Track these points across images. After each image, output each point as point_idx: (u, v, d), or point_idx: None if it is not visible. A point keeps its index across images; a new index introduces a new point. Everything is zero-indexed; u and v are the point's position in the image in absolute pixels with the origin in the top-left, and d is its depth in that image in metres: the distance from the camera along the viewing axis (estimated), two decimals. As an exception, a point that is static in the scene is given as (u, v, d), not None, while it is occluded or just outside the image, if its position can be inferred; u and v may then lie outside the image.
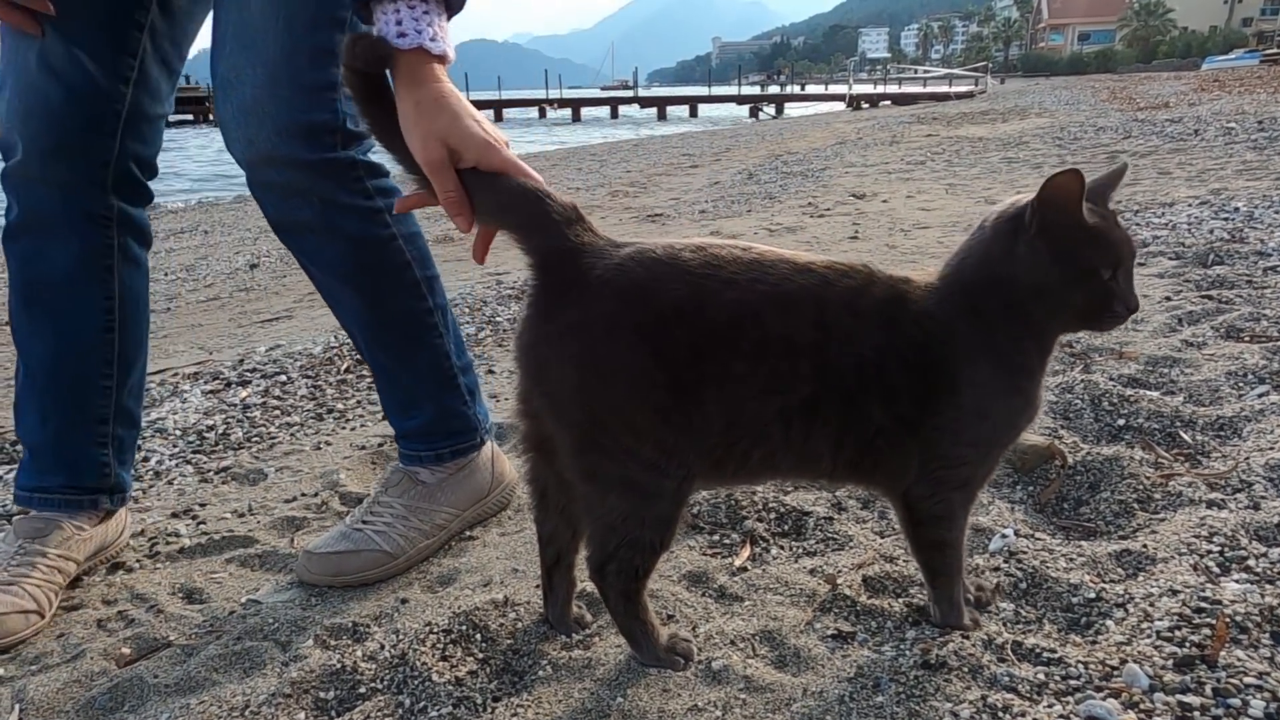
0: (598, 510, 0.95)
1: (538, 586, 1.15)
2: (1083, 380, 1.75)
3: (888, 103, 35.28)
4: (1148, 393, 1.70)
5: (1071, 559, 1.15)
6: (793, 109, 37.42)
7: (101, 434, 1.36)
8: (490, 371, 2.37)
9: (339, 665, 1.06)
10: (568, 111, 39.89)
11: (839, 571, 1.17)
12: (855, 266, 0.94)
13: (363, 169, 1.27)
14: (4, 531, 1.32)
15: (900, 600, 1.11)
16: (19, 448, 1.48)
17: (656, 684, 0.98)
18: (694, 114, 39.48)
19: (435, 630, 1.10)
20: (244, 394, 2.31)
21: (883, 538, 1.29)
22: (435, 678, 1.04)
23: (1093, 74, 50.58)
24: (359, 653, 1.08)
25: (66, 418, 1.34)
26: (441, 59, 0.99)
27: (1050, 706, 0.86)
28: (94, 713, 1.03)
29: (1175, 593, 1.02)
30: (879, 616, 1.08)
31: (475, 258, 1.04)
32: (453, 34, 1.02)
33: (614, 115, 40.75)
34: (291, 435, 1.99)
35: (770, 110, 35.92)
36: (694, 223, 5.15)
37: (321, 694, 1.03)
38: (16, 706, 1.05)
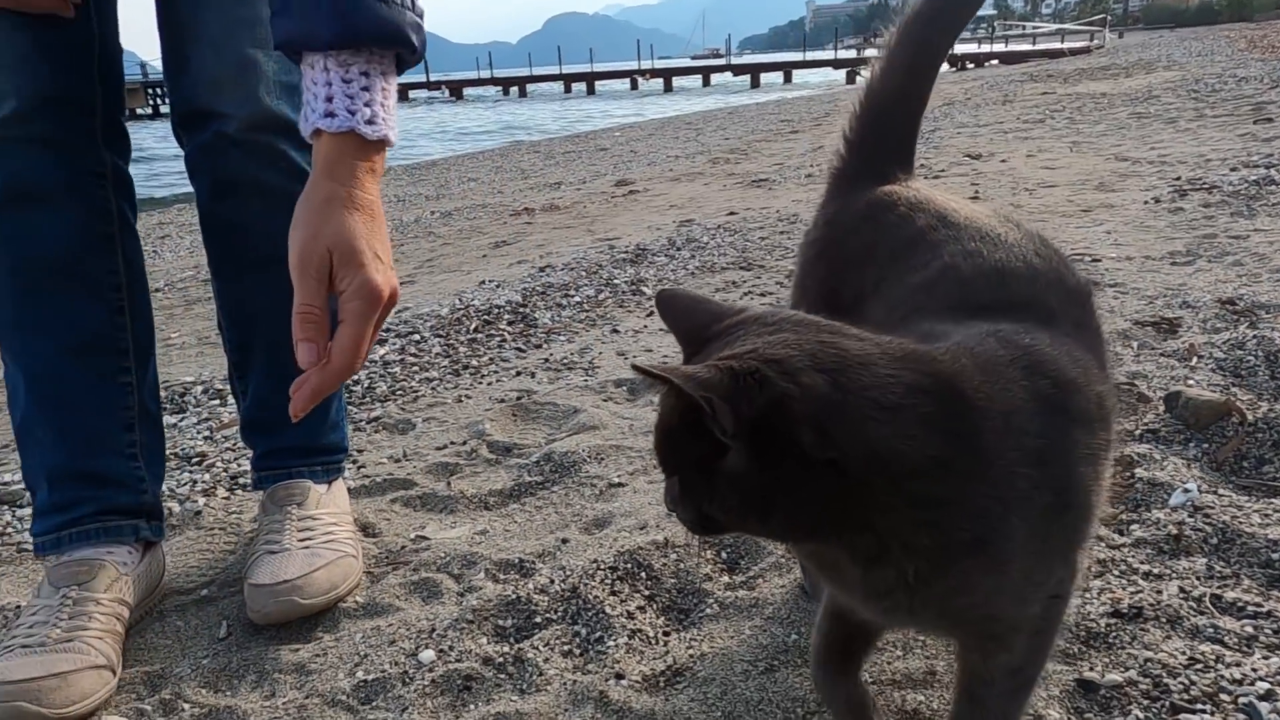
0: None
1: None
2: (1254, 336, 1.64)
3: (994, 62, 33.55)
4: (1331, 349, 1.57)
5: (1266, 515, 1.08)
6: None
7: (129, 443, 1.15)
8: (615, 331, 2.40)
9: (514, 596, 1.11)
10: (659, 82, 39.61)
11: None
12: None
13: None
14: (37, 586, 1.10)
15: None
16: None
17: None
18: (788, 80, 38.58)
19: (602, 567, 1.14)
20: (382, 351, 2.41)
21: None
22: (608, 610, 1.07)
23: (1225, 23, 46.71)
24: (530, 586, 1.13)
25: (87, 428, 1.12)
26: (379, 144, 0.82)
27: (1266, 659, 0.82)
28: (293, 627, 1.11)
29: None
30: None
31: (293, 410, 0.81)
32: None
33: (706, 84, 40.20)
34: (432, 389, 2.07)
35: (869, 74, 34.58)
36: (801, 186, 5.05)
37: (500, 621, 1.08)
38: (224, 623, 1.14)
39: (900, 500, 0.56)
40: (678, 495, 0.59)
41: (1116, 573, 1.01)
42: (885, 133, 0.90)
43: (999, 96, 10.16)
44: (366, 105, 0.79)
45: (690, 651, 0.98)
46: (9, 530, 1.50)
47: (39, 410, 1.11)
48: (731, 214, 4.24)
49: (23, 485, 1.67)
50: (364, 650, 1.04)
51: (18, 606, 1.21)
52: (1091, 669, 0.85)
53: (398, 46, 0.82)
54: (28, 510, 1.57)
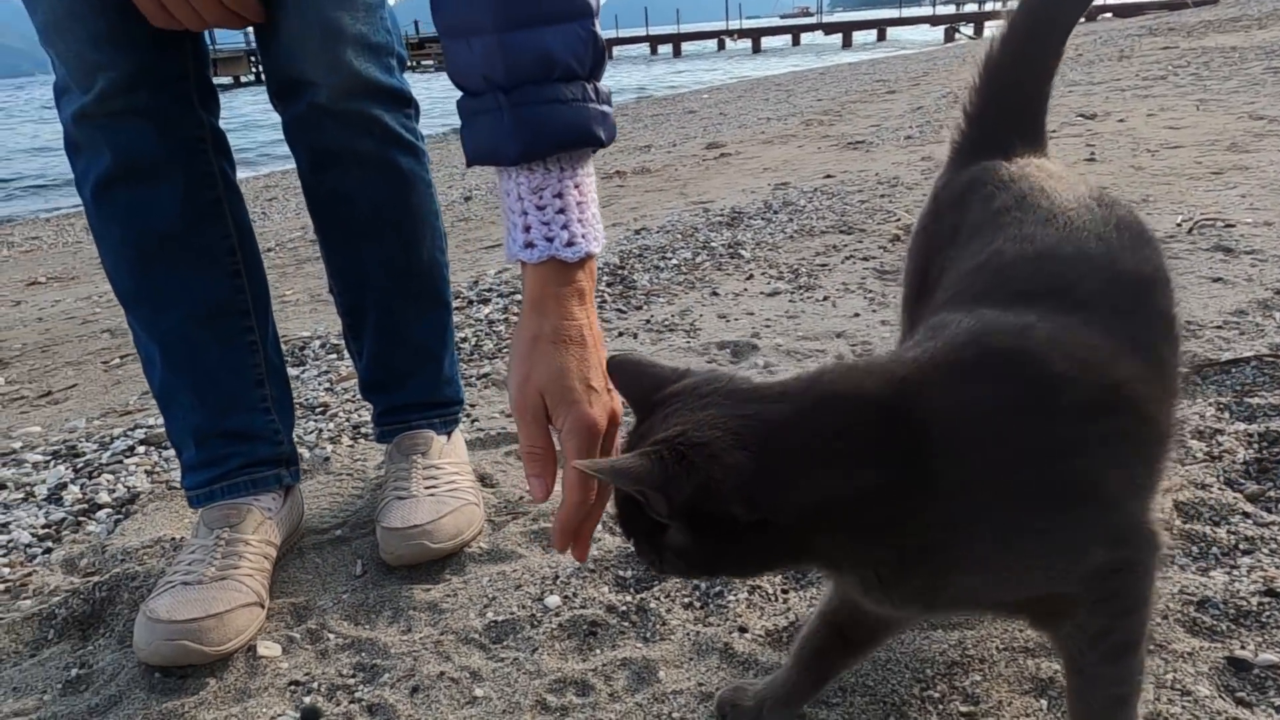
0: None
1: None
2: None
3: (1108, 15, 31.49)
4: None
5: None
6: (995, 28, 34.22)
7: (261, 398, 1.21)
8: (715, 294, 2.40)
9: (632, 549, 1.13)
10: (747, 43, 38.76)
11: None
12: None
13: (413, 105, 1.23)
14: (194, 527, 1.19)
15: (1221, 528, 1.03)
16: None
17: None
18: (882, 38, 37.16)
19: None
20: (486, 310, 2.48)
21: (1184, 465, 1.20)
22: (727, 566, 1.08)
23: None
24: (648, 539, 1.15)
25: (222, 389, 1.17)
26: (584, 262, 0.77)
27: None
28: (423, 569, 1.17)
29: None
30: (1200, 542, 1.00)
31: (557, 544, 0.80)
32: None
33: (796, 44, 39.10)
34: (537, 348, 2.12)
35: (968, 31, 33.10)
36: (900, 148, 4.89)
37: (620, 572, 1.11)
38: (359, 562, 1.21)
39: (842, 534, 0.59)
40: (640, 553, 0.65)
41: (1266, 550, 0.96)
42: (1005, 104, 0.86)
43: (1114, 52, 9.54)
44: (564, 228, 0.75)
45: (811, 610, 0.98)
46: (158, 469, 1.62)
47: (175, 376, 1.16)
48: (828, 177, 4.14)
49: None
50: (491, 593, 1.09)
51: (172, 539, 1.31)
52: (1243, 648, 0.82)
53: (586, 147, 0.77)
54: (172, 450, 1.69)
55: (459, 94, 0.79)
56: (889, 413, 0.59)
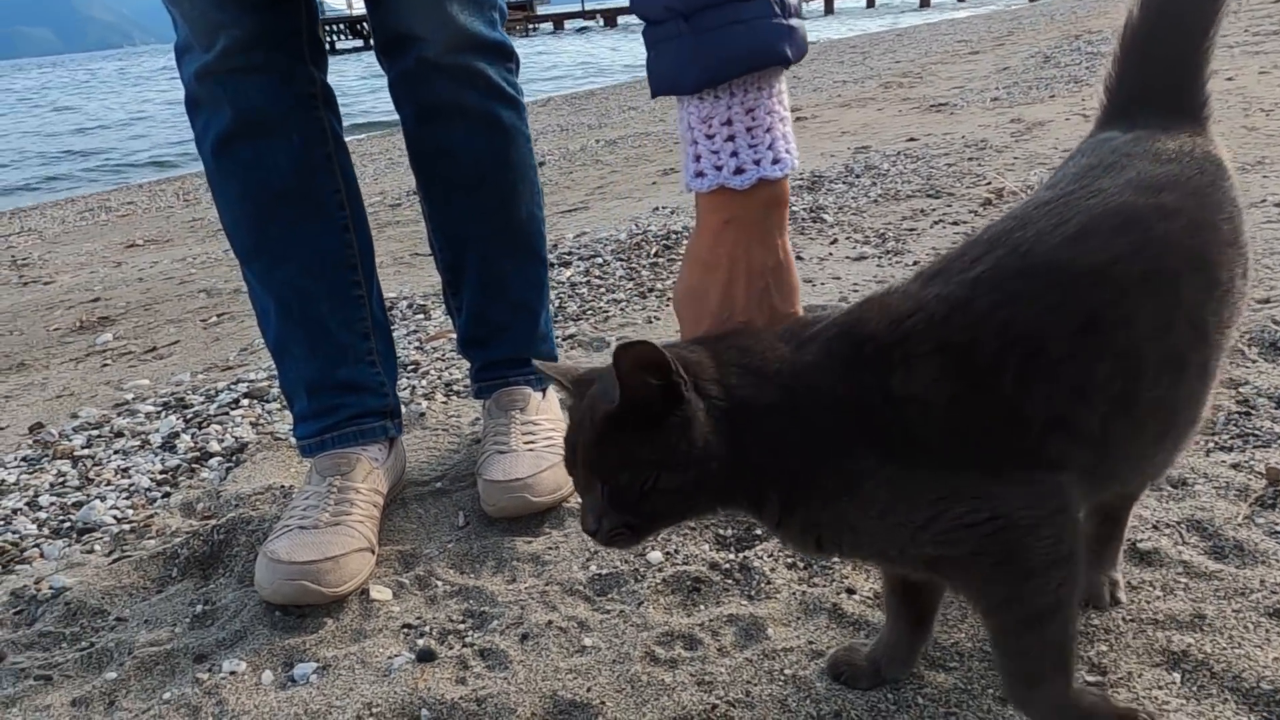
0: None
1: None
2: None
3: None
4: None
5: None
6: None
7: (368, 351, 1.23)
8: (799, 258, 2.36)
9: (732, 508, 1.13)
10: (819, 4, 37.68)
11: None
12: None
13: (514, 59, 1.22)
14: (307, 474, 1.22)
15: (1365, 504, 0.97)
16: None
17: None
18: (961, -2, 35.66)
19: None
20: (568, 273, 2.48)
21: (1318, 439, 1.13)
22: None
23: None
24: (747, 499, 1.15)
25: (333, 341, 1.20)
26: (755, 189, 0.73)
27: None
28: (524, 522, 1.18)
29: None
30: (1342, 518, 0.95)
31: None
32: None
33: (870, 5, 37.88)
34: (620, 310, 2.12)
35: (1053, -12, 31.49)
36: (986, 110, 4.70)
37: (721, 531, 1.11)
38: (461, 513, 1.24)
39: (765, 472, 0.66)
40: (606, 508, 0.65)
41: None
42: (1147, 75, 0.78)
43: (1219, 7, 8.96)
44: (733, 155, 0.73)
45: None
46: (262, 421, 1.68)
47: (289, 328, 1.20)
48: (911, 140, 4.02)
49: (267, 382, 1.86)
50: (593, 547, 1.10)
51: (281, 486, 1.36)
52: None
53: (770, 65, 0.72)
54: (274, 404, 1.75)
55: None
56: (791, 367, 0.66)
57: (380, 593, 1.07)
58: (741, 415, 0.65)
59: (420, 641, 0.98)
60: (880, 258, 2.27)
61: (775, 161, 0.73)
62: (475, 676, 0.90)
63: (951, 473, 0.63)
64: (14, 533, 1.36)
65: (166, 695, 0.93)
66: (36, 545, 1.32)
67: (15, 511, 1.43)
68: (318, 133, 1.16)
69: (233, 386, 1.88)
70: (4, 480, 1.56)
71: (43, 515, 1.42)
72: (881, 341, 0.65)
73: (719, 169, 0.73)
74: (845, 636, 0.89)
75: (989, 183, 2.92)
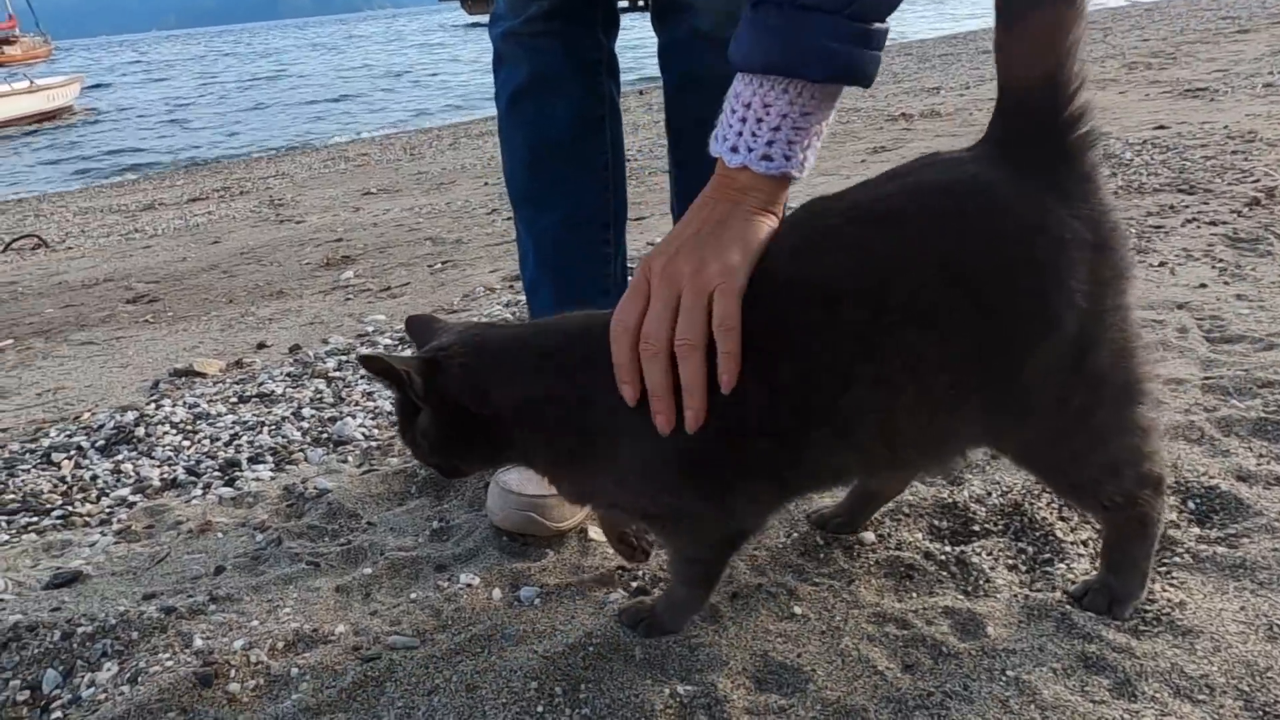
0: None
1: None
2: None
3: None
4: None
5: None
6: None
7: (605, 306, 1.29)
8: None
9: (949, 501, 1.10)
10: (1053, -27, 34.37)
11: None
12: None
13: None
14: None
15: None
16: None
17: None
18: (1227, -32, 31.30)
19: (1046, 490, 1.08)
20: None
21: None
22: (1058, 534, 1.02)
23: None
24: (965, 494, 1.11)
25: (578, 291, 1.24)
26: (781, 181, 0.81)
27: None
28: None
29: None
30: None
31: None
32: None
33: (1113, -25, 34.19)
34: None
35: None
36: (1256, 97, 4.15)
37: (935, 521, 1.09)
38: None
39: (530, 431, 0.86)
40: (402, 433, 0.91)
41: None
42: None
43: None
44: (769, 144, 0.80)
45: (1166, 597, 0.90)
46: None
47: (542, 273, 1.27)
48: (1160, 128, 3.64)
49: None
50: (801, 519, 1.11)
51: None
52: None
53: (845, 83, 0.80)
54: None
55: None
56: (564, 346, 0.87)
57: (599, 534, 1.13)
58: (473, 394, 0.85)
59: (634, 583, 1.03)
60: (1119, 255, 2.09)
61: (764, 158, 0.80)
62: (687, 624, 0.94)
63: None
64: (284, 437, 1.57)
65: (413, 595, 1.05)
66: (301, 450, 1.51)
67: (284, 419, 1.65)
68: (595, 96, 1.23)
69: (459, 329, 2.04)
70: (275, 391, 1.80)
71: (305, 425, 1.62)
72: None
73: (751, 150, 0.81)
74: (1073, 646, 0.85)
75: (1257, 180, 2.59)
